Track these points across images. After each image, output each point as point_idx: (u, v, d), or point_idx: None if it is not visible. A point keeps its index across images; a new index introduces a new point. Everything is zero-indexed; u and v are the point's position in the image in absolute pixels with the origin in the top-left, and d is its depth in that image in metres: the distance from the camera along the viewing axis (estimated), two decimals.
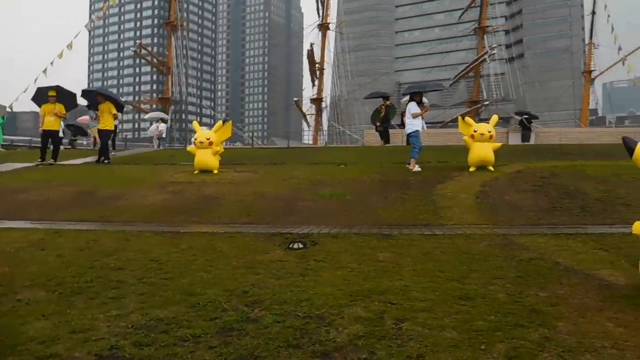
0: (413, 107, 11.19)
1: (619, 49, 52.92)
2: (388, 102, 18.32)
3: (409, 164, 10.77)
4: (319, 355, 2.93)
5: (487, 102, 54.49)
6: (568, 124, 66.34)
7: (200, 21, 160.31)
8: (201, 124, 15.73)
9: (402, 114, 16.26)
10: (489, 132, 10.23)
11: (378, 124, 19.55)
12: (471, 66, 55.62)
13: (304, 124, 53.10)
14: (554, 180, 8.84)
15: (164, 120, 29.82)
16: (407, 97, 11.76)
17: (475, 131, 10.24)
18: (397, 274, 4.42)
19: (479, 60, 54.11)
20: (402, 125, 20.30)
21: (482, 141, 10.19)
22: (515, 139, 25.81)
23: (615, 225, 6.20)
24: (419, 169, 10.48)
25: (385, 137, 18.03)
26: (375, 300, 3.76)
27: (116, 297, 4.00)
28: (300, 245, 5.36)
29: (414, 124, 11.11)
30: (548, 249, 5.06)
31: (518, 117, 28.72)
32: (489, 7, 57.41)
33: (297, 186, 9.38)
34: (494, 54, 55.08)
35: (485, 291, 3.93)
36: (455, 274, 4.36)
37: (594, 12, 58.10)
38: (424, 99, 11.72)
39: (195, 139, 11.10)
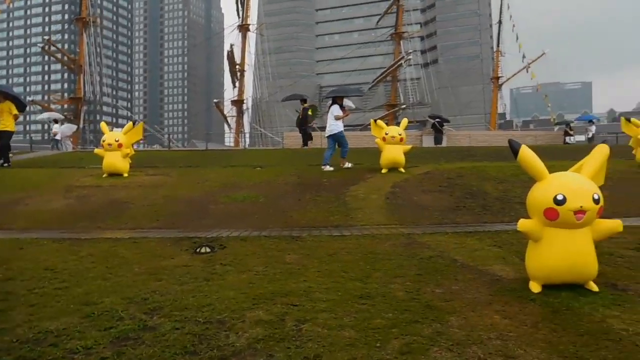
0: (336, 110, 11.70)
1: (523, 57, 56.48)
2: (305, 105, 18.46)
3: (325, 165, 10.96)
4: None
5: (404, 106, 56.15)
6: (479, 127, 69.94)
7: (115, 18, 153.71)
8: (117, 125, 15.11)
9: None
10: (400, 134, 10.56)
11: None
12: (388, 71, 57.24)
13: (226, 126, 52.35)
14: (459, 181, 9.28)
15: (57, 121, 28.46)
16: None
17: (386, 134, 10.54)
18: (302, 275, 4.45)
19: (396, 65, 55.84)
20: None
21: (393, 144, 10.50)
22: (428, 142, 26.82)
23: (511, 223, 6.59)
24: (350, 165, 11.58)
25: (304, 139, 18.15)
26: (278, 303, 3.77)
27: (2, 310, 3.74)
28: (208, 250, 5.27)
29: (338, 126, 11.59)
30: (448, 247, 5.30)
31: (431, 121, 29.94)
32: (404, 13, 59.41)
33: (210, 189, 9.23)
34: (409, 59, 56.94)
35: (385, 290, 4.05)
36: (358, 274, 4.45)
37: (500, 22, 61.57)
38: (349, 102, 12.08)
39: (104, 141, 10.64)
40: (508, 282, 4.22)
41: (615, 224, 3.91)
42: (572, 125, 30.57)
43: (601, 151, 4.00)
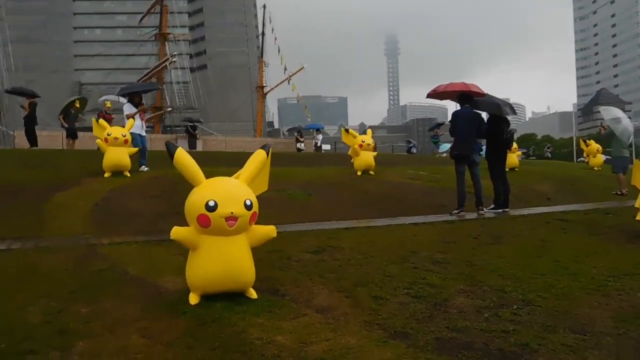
0: (127, 109, 10.95)
1: (285, 69, 59.52)
2: (34, 100, 16.25)
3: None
4: None
5: (169, 109, 54.48)
6: (248, 134, 71.54)
7: None
8: None
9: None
10: (124, 136, 9.85)
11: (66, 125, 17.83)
12: (153, 72, 54.96)
13: None
14: (182, 187, 8.92)
15: None
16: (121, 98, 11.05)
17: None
18: None
19: (160, 67, 53.96)
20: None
21: (116, 145, 9.74)
22: (183, 146, 26.17)
23: None
24: (146, 169, 10.73)
25: (31, 139, 15.90)
26: None
27: None
28: None
29: (135, 126, 10.63)
30: (127, 258, 4.88)
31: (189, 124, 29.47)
32: (171, 15, 57.89)
33: None
34: (174, 61, 55.47)
35: (19, 314, 3.42)
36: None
37: (263, 34, 64.19)
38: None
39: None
40: (170, 294, 3.96)
41: (269, 230, 3.96)
42: (302, 132, 31.19)
43: (258, 157, 4.01)
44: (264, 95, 65.05)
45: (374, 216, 7.88)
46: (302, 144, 28.65)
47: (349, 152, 11.95)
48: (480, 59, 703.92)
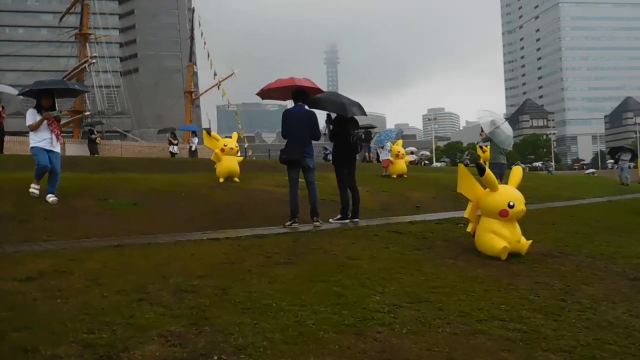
0: (31, 115, 7.87)
1: (215, 74, 57.98)
2: None
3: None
4: None
5: (87, 113, 52.05)
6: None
7: None
8: None
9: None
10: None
11: None
12: (70, 74, 52.27)
13: None
14: None
15: None
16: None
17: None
18: None
19: (78, 69, 51.50)
20: None
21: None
22: (83, 151, 24.59)
23: None
24: (53, 199, 7.58)
25: None
26: None
27: None
28: None
29: (32, 137, 7.84)
30: None
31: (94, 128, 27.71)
32: (94, 15, 55.57)
33: None
34: (93, 62, 53.05)
35: None
36: None
37: (192, 37, 62.64)
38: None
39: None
40: None
41: None
42: (176, 133, 27.89)
43: None
44: (193, 100, 63.48)
45: (203, 228, 7.02)
46: (176, 147, 25.87)
47: (212, 157, 11.00)
48: (418, 69, 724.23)
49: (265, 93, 8.37)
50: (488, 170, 5.71)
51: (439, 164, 59.06)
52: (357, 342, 3.31)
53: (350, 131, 8.02)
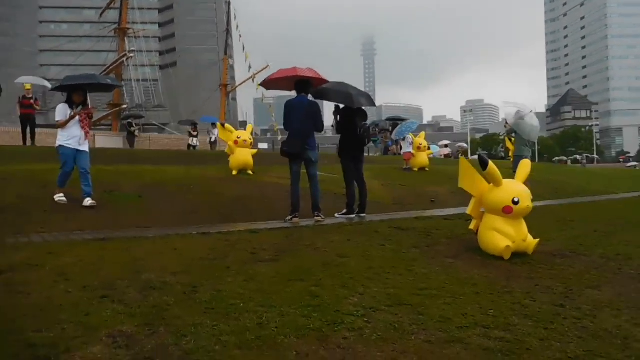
0: (61, 110, 7.49)
1: (249, 67, 58.32)
2: None
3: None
4: None
5: (124, 106, 53.19)
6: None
7: None
8: None
9: None
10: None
11: None
12: (109, 69, 53.45)
13: None
14: None
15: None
16: None
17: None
18: None
19: (116, 64, 52.55)
20: None
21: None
22: (111, 143, 24.99)
23: None
24: (91, 202, 7.25)
25: None
26: None
27: None
28: None
29: (60, 136, 7.48)
30: None
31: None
32: (136, 10, 56.70)
33: None
34: (131, 57, 54.12)
35: None
36: None
37: (228, 31, 63.12)
38: None
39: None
40: None
41: None
42: (197, 125, 25.94)
43: None
44: (227, 93, 64.03)
45: (203, 222, 6.91)
46: (195, 139, 24.48)
47: (226, 150, 10.91)
48: (456, 60, 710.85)
49: (269, 83, 8.20)
50: (491, 164, 5.33)
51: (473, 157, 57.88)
52: (318, 348, 3.11)
53: (358, 123, 7.76)
